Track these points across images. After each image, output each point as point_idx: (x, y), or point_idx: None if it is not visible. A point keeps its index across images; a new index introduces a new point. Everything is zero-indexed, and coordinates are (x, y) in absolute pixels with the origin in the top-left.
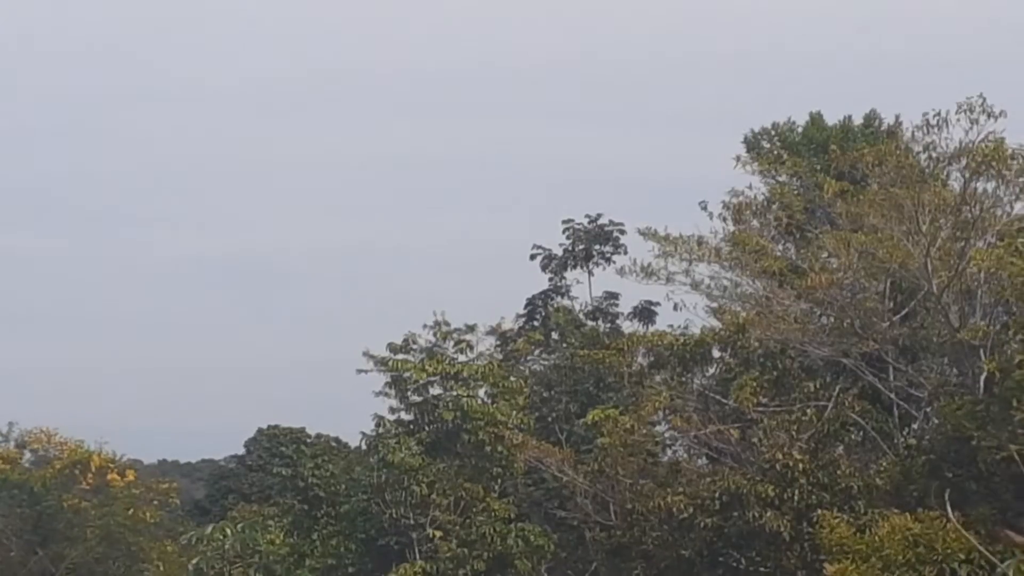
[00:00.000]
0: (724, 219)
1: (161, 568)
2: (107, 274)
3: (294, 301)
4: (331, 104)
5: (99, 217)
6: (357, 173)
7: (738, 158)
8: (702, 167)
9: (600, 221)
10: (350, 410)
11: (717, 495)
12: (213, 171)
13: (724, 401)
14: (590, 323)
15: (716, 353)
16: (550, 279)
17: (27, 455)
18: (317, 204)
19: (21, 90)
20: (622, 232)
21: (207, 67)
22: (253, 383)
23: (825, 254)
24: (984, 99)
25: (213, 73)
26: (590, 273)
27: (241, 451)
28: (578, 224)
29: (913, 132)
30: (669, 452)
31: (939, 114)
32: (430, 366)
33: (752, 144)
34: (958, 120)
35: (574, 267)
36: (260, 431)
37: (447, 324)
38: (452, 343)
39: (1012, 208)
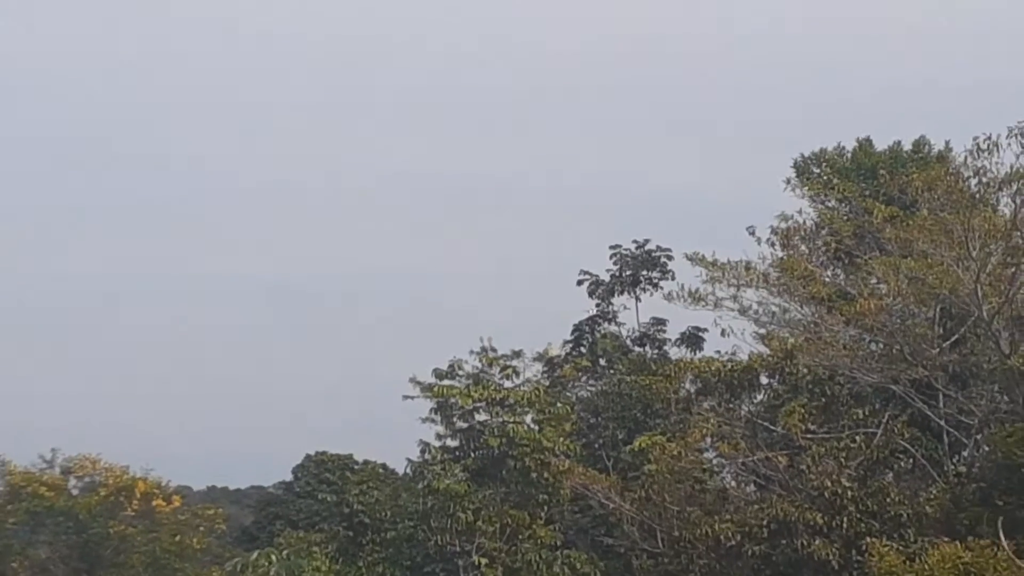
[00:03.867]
0: (772, 244)
1: None
2: (155, 295)
3: (343, 326)
4: (374, 124)
5: (149, 236)
6: (405, 196)
7: (788, 181)
8: (751, 193)
9: (647, 247)
10: (398, 436)
11: (765, 523)
12: (262, 194)
13: (772, 428)
14: (637, 349)
15: (764, 379)
16: (597, 305)
17: (72, 481)
18: (365, 228)
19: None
20: (669, 258)
21: (259, 86)
22: (303, 409)
23: (874, 280)
24: None
25: (260, 92)
26: (637, 299)
27: (289, 477)
28: (625, 250)
29: (964, 157)
30: (716, 479)
31: (990, 138)
32: (476, 392)
33: (802, 169)
34: (1009, 144)
35: (621, 293)
36: (308, 457)
37: (494, 350)
38: (498, 369)
39: None
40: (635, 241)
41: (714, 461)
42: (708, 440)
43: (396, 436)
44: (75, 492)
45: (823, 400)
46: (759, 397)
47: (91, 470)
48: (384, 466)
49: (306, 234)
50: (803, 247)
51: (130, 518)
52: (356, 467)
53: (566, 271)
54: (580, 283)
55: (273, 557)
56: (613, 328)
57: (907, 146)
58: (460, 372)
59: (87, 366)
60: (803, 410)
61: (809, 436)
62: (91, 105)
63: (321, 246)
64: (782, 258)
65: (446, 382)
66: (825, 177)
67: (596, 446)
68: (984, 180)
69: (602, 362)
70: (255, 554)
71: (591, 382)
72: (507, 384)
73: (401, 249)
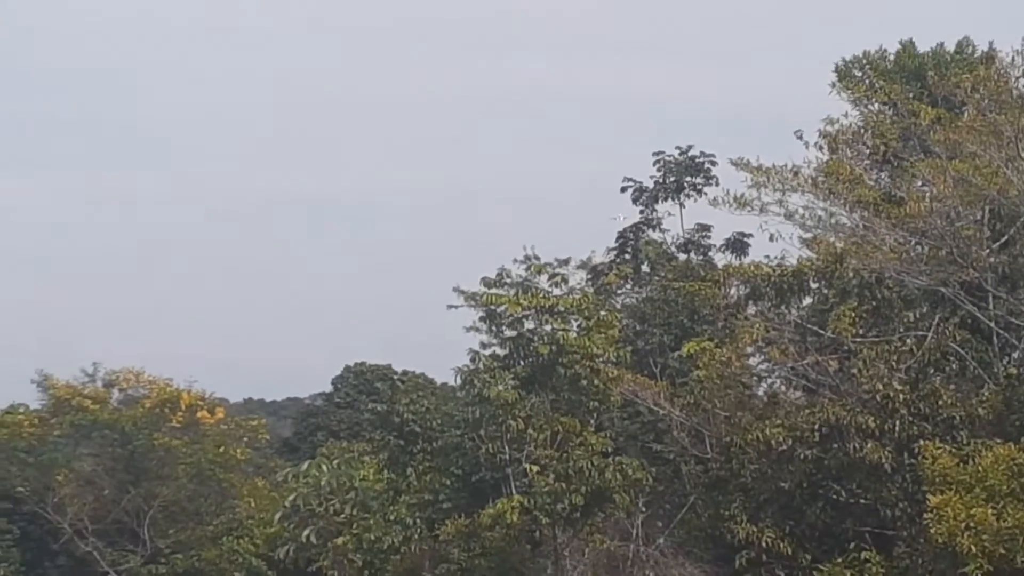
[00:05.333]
0: (820, 148)
1: (252, 504)
2: (194, 212)
3: (378, 240)
4: (422, 45)
5: (186, 153)
6: (445, 113)
7: (832, 85)
8: (794, 101)
9: (691, 152)
10: (432, 347)
11: (816, 427)
12: (304, 111)
13: (821, 332)
14: (682, 256)
15: (813, 284)
16: (641, 212)
17: (115, 394)
18: (407, 144)
19: (118, 23)
20: (713, 163)
21: (306, 10)
22: (334, 322)
23: (920, 182)
24: None
25: (310, 16)
26: (681, 205)
27: (327, 389)
28: (669, 156)
29: (1012, 57)
30: (765, 384)
31: None
32: (525, 300)
33: (844, 73)
34: None
35: (665, 199)
36: (347, 368)
37: (538, 259)
38: (546, 277)
39: None
40: (678, 147)
41: (762, 366)
42: (756, 345)
43: (431, 347)
44: (118, 405)
45: (872, 304)
46: (807, 302)
47: (134, 383)
48: (423, 375)
49: (351, 149)
50: (849, 151)
51: (174, 430)
52: (396, 377)
53: (612, 181)
54: (624, 190)
55: (324, 466)
56: (657, 235)
57: (950, 47)
58: (507, 280)
59: (128, 285)
60: (852, 314)
61: (859, 340)
62: None
63: (365, 162)
64: (828, 162)
65: (494, 291)
66: (868, 80)
67: (644, 353)
68: None
69: (646, 269)
70: (306, 464)
71: (636, 289)
72: (555, 292)
73: (443, 164)
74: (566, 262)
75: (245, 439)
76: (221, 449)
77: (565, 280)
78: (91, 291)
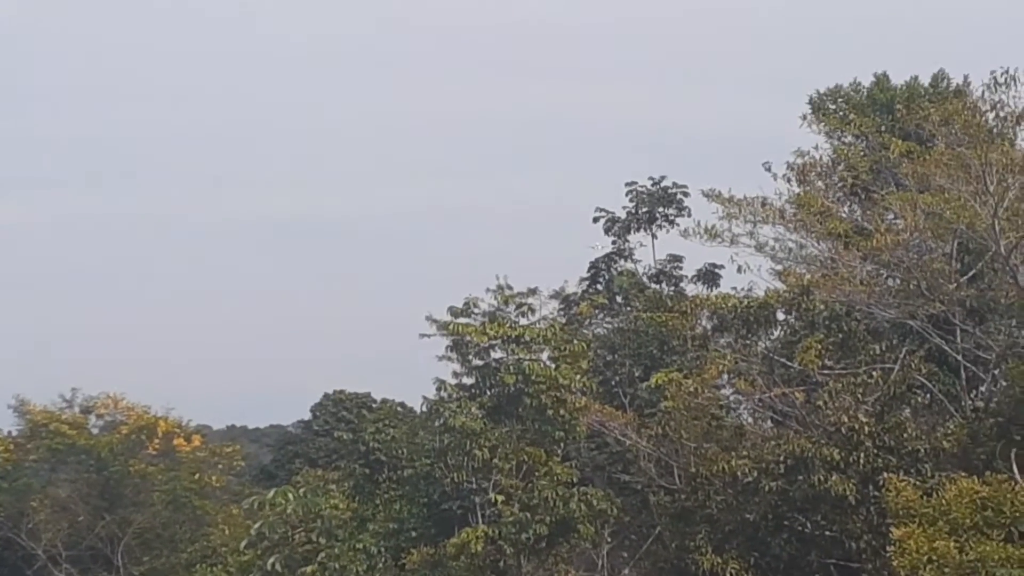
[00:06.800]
0: (789, 180)
1: (227, 532)
2: (175, 236)
3: (361, 264)
4: (394, 65)
5: (164, 176)
6: (421, 135)
7: (804, 117)
8: (767, 131)
9: (663, 183)
10: (416, 375)
11: (782, 459)
12: (279, 133)
13: (789, 364)
14: (654, 286)
15: (780, 316)
16: (613, 242)
17: (92, 420)
18: (382, 166)
19: (88, 40)
20: (686, 194)
21: (274, 28)
22: (322, 349)
23: (891, 215)
24: None
25: (280, 33)
26: (653, 236)
27: (308, 416)
28: (641, 187)
29: (982, 91)
30: (733, 415)
31: (1007, 72)
32: (491, 329)
33: (818, 105)
34: None
35: (637, 230)
36: (326, 396)
37: (510, 288)
38: (514, 306)
39: None
40: (651, 178)
41: (731, 398)
42: (725, 377)
43: (415, 375)
44: (95, 431)
45: (840, 336)
46: (776, 333)
47: (112, 409)
48: (402, 404)
49: (325, 172)
50: (820, 183)
51: (150, 457)
52: (374, 405)
53: (583, 212)
54: (596, 220)
55: (290, 495)
56: (629, 265)
57: (924, 81)
58: (476, 310)
59: (108, 310)
60: (820, 346)
61: (826, 372)
62: None
63: (339, 185)
64: (799, 194)
65: (461, 320)
66: (841, 113)
67: (612, 383)
68: (1002, 114)
69: (618, 299)
70: (272, 492)
71: (607, 319)
72: (523, 321)
73: (418, 188)
74: (534, 291)
75: (221, 465)
76: (196, 476)
77: (532, 310)
78: (70, 317)
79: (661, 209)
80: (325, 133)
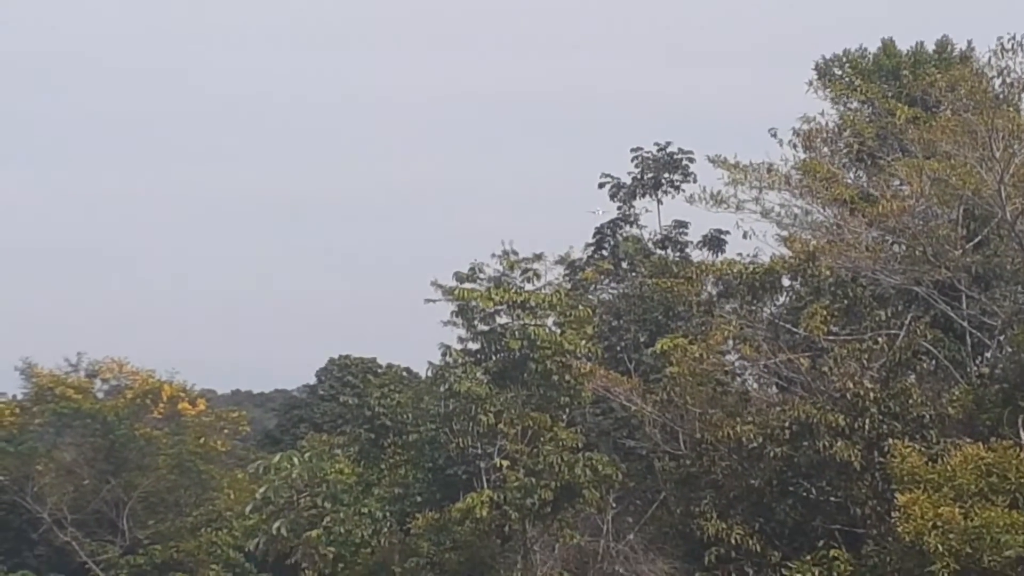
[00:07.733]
0: (795, 146)
1: (232, 496)
2: (187, 206)
3: (369, 236)
4: (395, 40)
5: (170, 149)
6: (427, 109)
7: (810, 83)
8: (773, 101)
9: (669, 149)
10: (421, 341)
11: (787, 424)
12: (283, 107)
13: (794, 330)
14: (659, 252)
15: (786, 282)
16: (619, 208)
17: (98, 384)
18: (387, 139)
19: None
20: (691, 160)
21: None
22: (328, 315)
23: (897, 181)
24: None
25: (292, 13)
26: (659, 202)
27: (313, 381)
28: (647, 152)
29: (988, 57)
30: (738, 381)
31: (1014, 38)
32: (496, 295)
33: (823, 71)
34: None
35: (643, 196)
36: (331, 361)
37: (515, 253)
38: (519, 272)
39: None
40: (656, 144)
41: (736, 363)
42: (730, 342)
43: (420, 340)
44: (100, 395)
45: (845, 302)
46: (781, 299)
47: (117, 373)
48: (408, 370)
49: (333, 146)
50: (825, 149)
51: (156, 421)
52: (379, 371)
53: (590, 178)
54: (601, 186)
55: (295, 459)
56: (635, 231)
57: (930, 47)
58: (481, 275)
59: (117, 279)
60: (825, 312)
61: (831, 338)
62: None
63: (347, 158)
64: (804, 160)
65: (467, 285)
66: (847, 78)
67: (618, 349)
68: (1008, 80)
69: (624, 265)
70: (277, 456)
71: (612, 285)
72: (528, 287)
73: (425, 160)
74: (540, 257)
75: (226, 430)
76: (202, 440)
77: (537, 275)
78: (81, 286)
79: (667, 175)
80: (330, 107)
